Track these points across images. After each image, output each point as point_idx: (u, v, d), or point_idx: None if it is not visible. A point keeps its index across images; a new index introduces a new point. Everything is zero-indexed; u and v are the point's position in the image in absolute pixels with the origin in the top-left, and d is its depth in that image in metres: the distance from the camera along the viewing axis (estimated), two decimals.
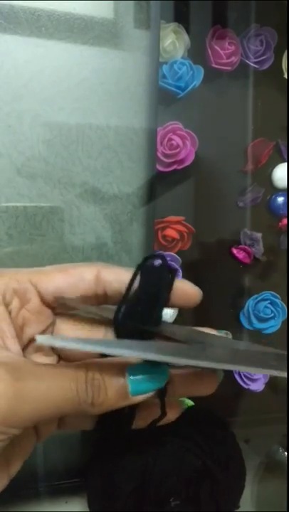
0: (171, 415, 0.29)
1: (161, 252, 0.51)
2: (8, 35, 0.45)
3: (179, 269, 0.52)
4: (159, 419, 0.28)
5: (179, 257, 0.52)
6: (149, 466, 0.45)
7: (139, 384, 0.24)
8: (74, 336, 0.28)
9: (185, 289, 0.29)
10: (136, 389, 0.24)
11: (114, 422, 0.29)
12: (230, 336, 0.29)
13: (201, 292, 0.29)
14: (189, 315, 0.53)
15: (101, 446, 0.49)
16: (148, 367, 0.25)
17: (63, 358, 0.29)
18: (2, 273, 0.27)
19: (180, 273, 0.52)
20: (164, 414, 0.28)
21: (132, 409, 0.28)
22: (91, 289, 0.27)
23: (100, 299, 0.27)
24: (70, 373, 0.24)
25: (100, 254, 0.49)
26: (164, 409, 0.27)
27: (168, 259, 0.51)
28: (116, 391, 0.24)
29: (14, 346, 0.26)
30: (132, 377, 0.24)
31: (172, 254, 0.52)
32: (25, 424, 0.23)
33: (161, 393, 0.27)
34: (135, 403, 0.25)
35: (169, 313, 0.50)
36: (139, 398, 0.25)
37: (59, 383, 0.23)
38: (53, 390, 0.23)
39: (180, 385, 0.28)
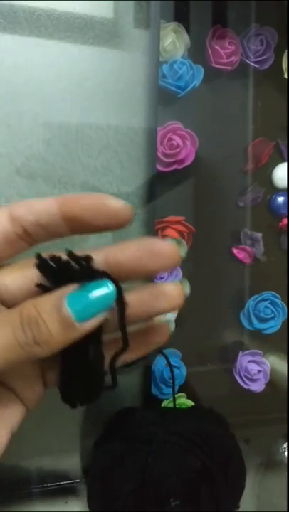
0: (159, 338, 0.28)
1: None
2: (7, 35, 0.45)
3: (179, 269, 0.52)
4: (121, 351, 0.25)
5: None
6: (149, 466, 0.45)
7: (82, 308, 0.22)
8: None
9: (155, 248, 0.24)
10: (80, 314, 0.22)
11: (84, 371, 0.25)
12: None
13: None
14: (189, 315, 0.53)
15: (101, 445, 0.49)
16: (90, 287, 0.22)
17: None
18: None
19: (180, 274, 0.52)
20: (125, 344, 0.24)
21: (97, 348, 0.25)
22: (8, 231, 0.24)
23: (25, 238, 0.24)
24: (5, 318, 0.22)
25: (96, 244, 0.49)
26: (126, 337, 0.24)
27: None
28: (58, 322, 0.21)
29: None
30: (72, 302, 0.22)
31: None
32: None
33: (121, 318, 0.24)
34: (87, 332, 0.22)
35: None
36: (89, 324, 0.22)
37: None
38: None
39: (138, 306, 0.25)
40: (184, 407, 0.54)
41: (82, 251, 0.24)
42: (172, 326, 0.26)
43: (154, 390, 0.53)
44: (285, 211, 0.56)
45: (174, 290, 0.25)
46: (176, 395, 0.53)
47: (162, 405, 0.53)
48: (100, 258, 0.24)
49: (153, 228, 0.50)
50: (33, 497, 0.51)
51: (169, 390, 0.53)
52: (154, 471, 0.45)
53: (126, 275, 0.24)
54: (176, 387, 0.54)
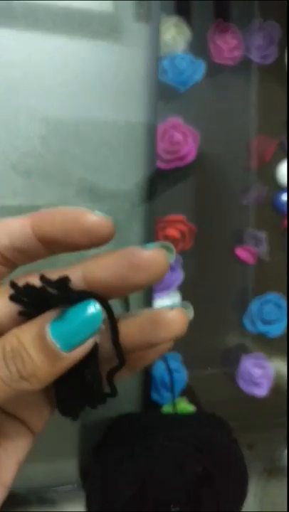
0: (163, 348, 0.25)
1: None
2: (4, 29, 0.45)
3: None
4: (118, 368, 0.23)
5: (180, 258, 0.51)
6: (149, 471, 0.44)
7: (67, 335, 0.20)
8: None
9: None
10: (66, 342, 0.20)
11: (81, 392, 0.24)
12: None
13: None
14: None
15: (101, 450, 0.49)
16: (73, 311, 0.20)
17: None
18: None
19: (181, 275, 0.51)
20: (122, 361, 0.23)
21: (93, 371, 0.23)
22: None
23: (3, 263, 0.22)
24: None
25: (98, 253, 0.49)
26: (122, 355, 0.22)
27: None
28: (43, 354, 0.20)
29: None
30: (55, 329, 0.20)
31: None
32: None
33: (115, 337, 0.22)
34: (76, 360, 0.20)
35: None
36: (78, 352, 0.20)
37: None
38: None
39: (135, 335, 0.22)
40: (184, 412, 0.53)
41: (59, 269, 0.22)
42: (190, 311, 0.23)
43: (154, 395, 0.52)
44: None
45: (175, 317, 0.22)
46: (176, 400, 0.53)
47: (163, 410, 0.53)
48: (77, 276, 0.21)
49: (153, 227, 0.49)
50: (30, 501, 0.51)
51: (170, 395, 0.52)
52: (154, 475, 0.44)
53: (108, 293, 0.21)
54: (177, 392, 0.53)
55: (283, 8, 0.53)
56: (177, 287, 0.52)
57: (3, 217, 0.45)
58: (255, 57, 0.52)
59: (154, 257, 0.21)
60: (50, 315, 0.20)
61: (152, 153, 0.49)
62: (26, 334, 0.20)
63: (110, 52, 0.47)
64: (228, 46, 0.50)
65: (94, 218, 0.21)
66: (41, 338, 0.20)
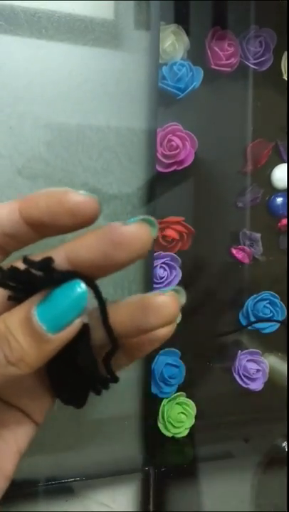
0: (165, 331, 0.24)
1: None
2: (8, 37, 0.45)
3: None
4: (112, 352, 0.23)
5: (178, 257, 0.52)
6: None
7: (53, 316, 0.19)
8: None
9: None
10: (53, 324, 0.19)
11: (76, 377, 0.24)
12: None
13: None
14: (188, 314, 0.53)
15: None
16: (58, 292, 0.20)
17: None
18: None
19: (179, 275, 0.52)
20: (114, 343, 0.22)
21: (86, 353, 0.22)
22: None
23: None
24: None
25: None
26: (113, 337, 0.22)
27: (167, 259, 0.52)
28: (30, 336, 0.19)
29: None
30: (42, 312, 0.19)
31: (172, 254, 0.52)
32: None
33: (104, 318, 0.21)
34: (64, 342, 0.20)
35: None
36: (65, 333, 0.20)
37: None
38: None
39: (125, 322, 0.22)
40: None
41: (43, 252, 0.21)
42: (182, 295, 0.22)
43: (153, 389, 0.53)
44: (284, 211, 0.56)
45: (166, 302, 0.21)
46: (174, 394, 0.54)
47: (162, 404, 0.54)
48: (60, 257, 0.21)
49: None
50: (33, 496, 0.51)
51: (169, 389, 0.53)
52: None
53: (92, 272, 0.21)
54: (176, 386, 0.54)
55: (278, 16, 0.54)
56: (176, 286, 0.53)
57: None
58: (251, 63, 0.53)
59: (135, 232, 0.20)
60: (36, 298, 0.20)
61: (152, 157, 0.50)
62: (13, 318, 0.20)
63: (112, 59, 0.48)
64: (225, 53, 0.51)
65: (77, 197, 0.20)
66: (27, 321, 0.19)
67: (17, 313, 0.20)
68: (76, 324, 0.20)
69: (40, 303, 0.19)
